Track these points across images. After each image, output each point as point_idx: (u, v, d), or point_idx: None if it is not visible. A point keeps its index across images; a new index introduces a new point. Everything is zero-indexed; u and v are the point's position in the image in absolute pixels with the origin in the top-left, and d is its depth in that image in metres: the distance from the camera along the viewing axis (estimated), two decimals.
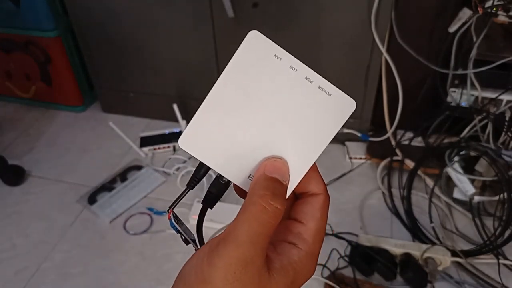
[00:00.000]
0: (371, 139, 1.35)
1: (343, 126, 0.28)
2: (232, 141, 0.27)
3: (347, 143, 1.39)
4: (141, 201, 1.23)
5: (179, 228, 0.29)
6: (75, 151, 1.46)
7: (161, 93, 1.51)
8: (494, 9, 0.99)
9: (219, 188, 0.29)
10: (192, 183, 0.29)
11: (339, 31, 1.19)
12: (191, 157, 1.39)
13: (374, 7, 1.09)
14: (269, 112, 0.27)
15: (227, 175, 0.28)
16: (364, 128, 1.38)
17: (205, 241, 0.29)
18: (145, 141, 1.44)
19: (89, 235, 1.15)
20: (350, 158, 1.35)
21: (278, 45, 0.27)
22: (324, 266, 1.03)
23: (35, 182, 1.34)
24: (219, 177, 0.28)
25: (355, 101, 0.27)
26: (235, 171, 0.27)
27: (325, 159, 1.36)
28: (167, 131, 1.47)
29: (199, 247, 0.30)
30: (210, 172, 0.29)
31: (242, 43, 0.26)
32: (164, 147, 1.42)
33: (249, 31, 0.27)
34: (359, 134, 1.37)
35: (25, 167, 1.35)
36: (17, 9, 1.41)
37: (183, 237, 0.29)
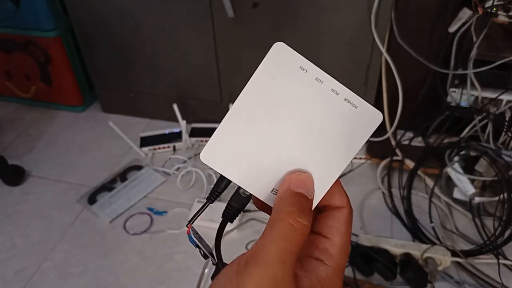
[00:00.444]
0: (371, 139, 1.35)
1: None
2: (256, 154, 0.26)
3: None
4: (141, 201, 1.23)
5: (198, 243, 0.29)
6: (75, 151, 1.46)
7: (161, 93, 1.51)
8: (494, 9, 0.99)
9: (240, 202, 0.28)
10: (213, 197, 0.29)
11: (339, 31, 1.19)
12: (191, 157, 1.39)
13: (374, 7, 1.09)
14: (294, 125, 0.26)
15: (250, 189, 0.27)
16: None
17: (221, 254, 0.29)
18: (145, 141, 1.44)
19: (89, 235, 1.15)
20: None
21: None
22: None
23: (35, 182, 1.34)
24: (240, 191, 0.28)
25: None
26: (258, 185, 0.27)
27: None
28: (167, 131, 1.47)
29: (216, 260, 0.29)
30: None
31: (267, 54, 0.26)
32: (164, 147, 1.42)
33: (276, 44, 0.26)
34: None
35: (25, 167, 1.35)
36: (17, 9, 1.41)
37: (202, 252, 0.29)
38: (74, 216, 1.21)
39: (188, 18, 1.28)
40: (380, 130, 1.33)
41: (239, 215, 0.29)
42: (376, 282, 1.00)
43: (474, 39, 1.07)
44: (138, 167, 1.35)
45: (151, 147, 1.42)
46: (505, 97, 1.10)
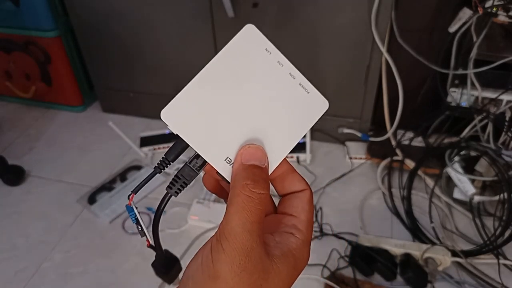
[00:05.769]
0: (371, 139, 1.35)
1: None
2: (214, 121, 0.27)
3: (347, 143, 1.39)
4: (141, 201, 1.23)
5: (139, 217, 0.29)
6: (75, 151, 1.46)
7: (161, 93, 1.51)
8: (494, 9, 0.99)
9: (188, 174, 0.28)
10: (162, 166, 0.29)
11: (339, 31, 1.19)
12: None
13: (374, 7, 1.09)
14: (253, 98, 0.28)
15: (204, 155, 0.27)
16: (364, 128, 1.38)
17: (146, 233, 0.30)
18: (145, 141, 1.44)
19: (89, 235, 1.15)
20: (350, 158, 1.35)
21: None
22: (324, 266, 1.03)
23: (35, 182, 1.34)
24: (189, 162, 0.28)
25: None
26: (213, 152, 0.28)
27: (325, 159, 1.36)
28: (167, 131, 1.47)
29: (150, 238, 0.30)
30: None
31: (238, 33, 0.28)
32: (164, 147, 1.42)
33: (247, 25, 0.28)
34: (359, 134, 1.37)
35: (25, 167, 1.35)
36: (17, 9, 1.41)
37: (140, 228, 0.29)
38: (74, 216, 1.21)
39: (188, 18, 1.28)
40: (380, 130, 1.34)
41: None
42: (376, 282, 1.00)
43: (474, 39, 1.07)
44: (138, 167, 1.35)
45: (151, 147, 1.42)
46: (505, 97, 1.10)
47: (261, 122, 0.28)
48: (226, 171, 0.28)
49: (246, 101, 0.28)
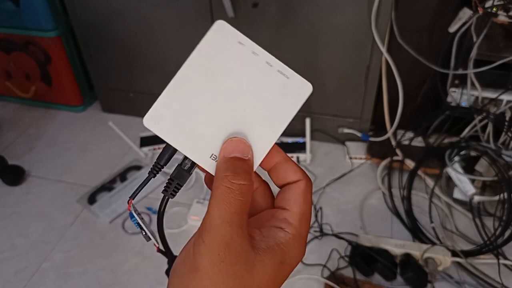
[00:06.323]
0: (371, 139, 1.35)
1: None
2: (196, 121, 0.28)
3: (347, 143, 1.39)
4: (141, 201, 1.23)
5: (140, 222, 0.29)
6: (75, 151, 1.46)
7: (161, 93, 1.51)
8: (494, 9, 0.99)
9: (180, 175, 0.28)
10: (155, 171, 0.29)
11: (339, 31, 1.19)
12: None
13: (374, 7, 1.09)
14: (232, 92, 0.28)
15: (190, 155, 0.28)
16: (364, 128, 1.38)
17: (152, 237, 0.30)
18: (145, 141, 1.44)
19: (89, 235, 1.15)
20: (350, 158, 1.35)
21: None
22: (324, 266, 1.03)
23: (35, 182, 1.34)
24: (180, 164, 0.28)
25: (312, 86, 0.29)
26: (198, 150, 0.28)
27: (325, 159, 1.36)
28: None
29: (157, 242, 0.30)
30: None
31: (209, 30, 0.28)
32: None
33: (217, 21, 0.28)
34: (359, 134, 1.37)
35: (25, 167, 1.35)
36: (17, 9, 1.41)
37: (144, 232, 0.29)
38: (74, 216, 1.21)
39: (188, 18, 1.28)
40: (380, 130, 1.34)
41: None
42: (376, 282, 1.00)
43: (474, 39, 1.07)
44: (138, 167, 1.35)
45: (151, 147, 1.42)
46: (505, 97, 1.10)
47: (243, 115, 0.28)
48: (212, 168, 0.28)
49: (226, 96, 0.28)
